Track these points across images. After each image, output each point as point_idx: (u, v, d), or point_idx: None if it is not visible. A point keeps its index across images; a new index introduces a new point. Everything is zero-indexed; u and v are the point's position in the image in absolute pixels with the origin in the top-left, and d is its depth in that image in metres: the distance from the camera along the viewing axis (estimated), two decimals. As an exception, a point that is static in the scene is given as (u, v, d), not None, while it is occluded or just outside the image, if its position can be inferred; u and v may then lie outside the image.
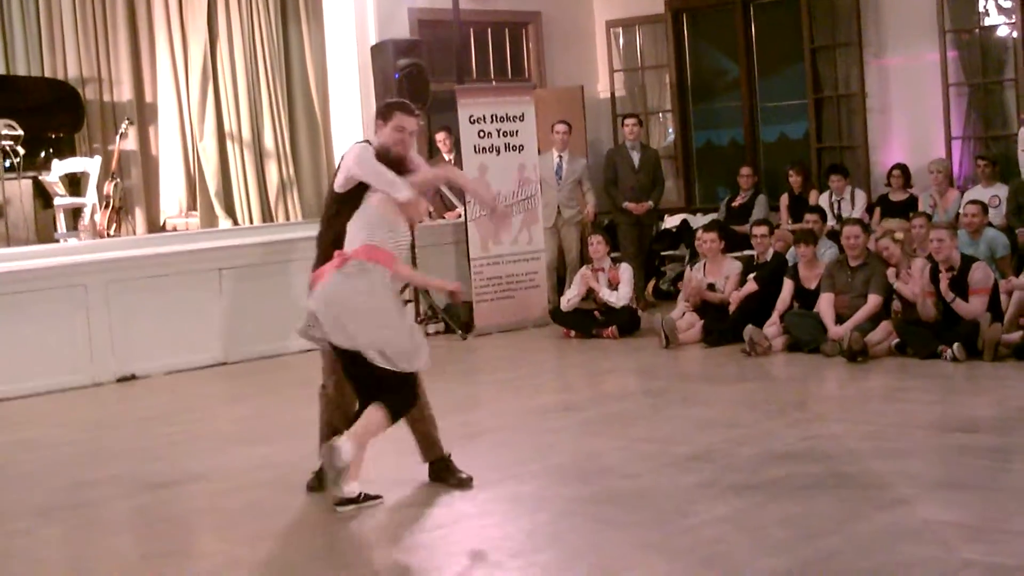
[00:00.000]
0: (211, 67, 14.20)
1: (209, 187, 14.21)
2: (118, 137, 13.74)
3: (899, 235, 11.90)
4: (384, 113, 7.47)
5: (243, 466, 8.33)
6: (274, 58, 14.55)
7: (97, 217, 13.29)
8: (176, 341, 12.12)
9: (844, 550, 5.91)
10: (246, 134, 14.34)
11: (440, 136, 14.80)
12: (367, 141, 7.52)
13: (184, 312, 12.20)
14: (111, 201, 13.54)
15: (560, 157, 14.60)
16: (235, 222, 14.25)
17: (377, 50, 13.70)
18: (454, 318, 13.53)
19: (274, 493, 7.65)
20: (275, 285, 12.75)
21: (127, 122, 13.84)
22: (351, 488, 7.05)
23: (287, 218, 14.51)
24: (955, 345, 10.31)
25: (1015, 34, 13.96)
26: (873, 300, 11.09)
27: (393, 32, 14.30)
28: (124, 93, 14.17)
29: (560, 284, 14.57)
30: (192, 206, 14.30)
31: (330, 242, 7.40)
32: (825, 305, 11.25)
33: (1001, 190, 13.04)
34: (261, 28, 14.46)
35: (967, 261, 10.70)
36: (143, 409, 10.62)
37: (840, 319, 11.13)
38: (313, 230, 13.16)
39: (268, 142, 14.51)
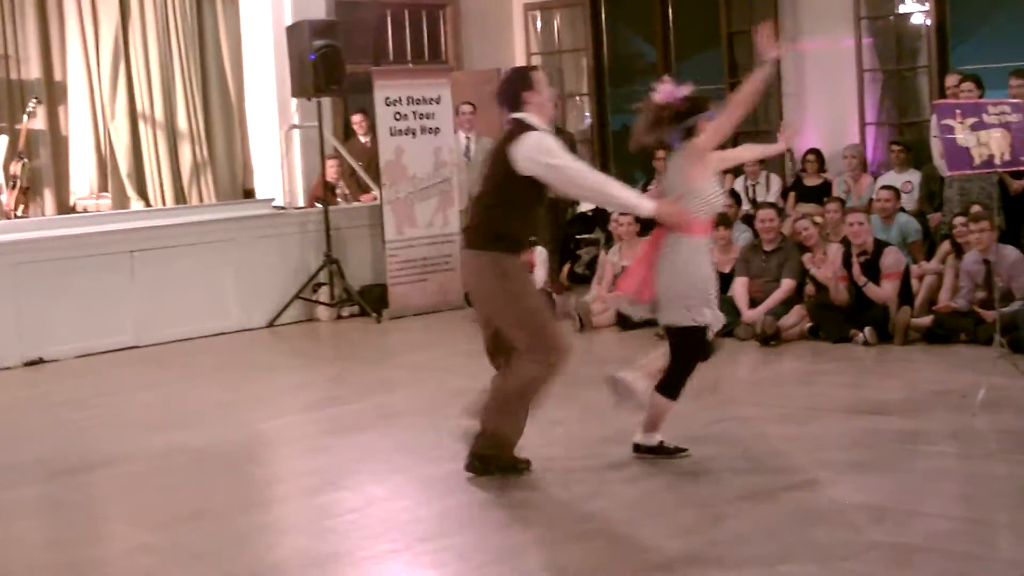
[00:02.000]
0: (123, 45, 13.99)
1: (121, 168, 14.03)
2: (25, 116, 13.51)
3: (818, 218, 11.99)
4: (526, 83, 7.13)
5: (154, 451, 8.23)
6: (188, 37, 14.37)
7: (3, 198, 13.08)
8: (87, 324, 11.94)
9: (753, 532, 5.95)
10: (159, 114, 14.16)
11: (357, 118, 14.69)
12: (524, 122, 7.07)
13: (95, 295, 12.02)
14: (18, 182, 13.30)
15: (468, 138, 14.54)
16: (147, 204, 14.08)
17: (293, 30, 13.57)
18: (368, 301, 13.48)
19: (185, 478, 7.58)
20: (188, 268, 12.64)
21: (35, 100, 13.61)
22: (652, 438, 7.28)
23: (201, 200, 14.36)
24: (866, 329, 10.41)
25: (929, 22, 14.08)
26: (786, 284, 11.16)
27: (310, 12, 14.17)
28: (32, 71, 13.92)
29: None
30: (103, 187, 14.11)
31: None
32: (739, 289, 11.31)
33: (914, 176, 13.14)
34: (175, 6, 14.27)
35: (879, 246, 10.80)
36: (52, 394, 10.46)
37: (754, 303, 11.19)
38: (228, 212, 13.30)
39: (181, 123, 14.35)
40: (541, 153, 6.90)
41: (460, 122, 14.36)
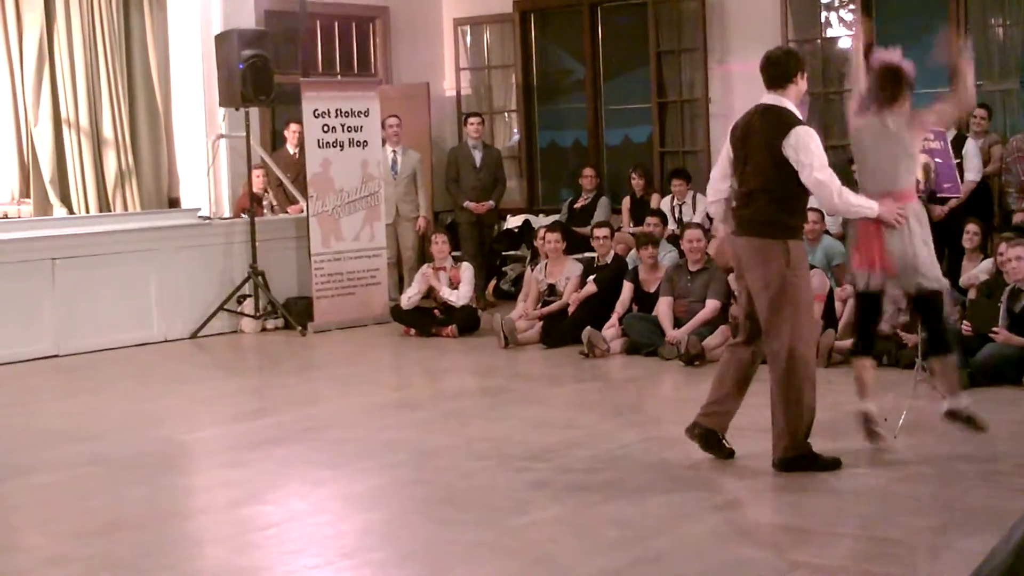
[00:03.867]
0: (47, 49, 13.80)
1: (44, 174, 13.85)
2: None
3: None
4: (801, 66, 7.39)
5: (71, 461, 8.13)
6: (114, 43, 14.22)
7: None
8: (5, 332, 11.81)
9: (675, 551, 5.95)
10: (84, 121, 14.00)
11: (293, 127, 14.54)
12: (788, 111, 7.29)
13: (14, 303, 11.89)
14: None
15: (394, 152, 14.52)
16: (70, 211, 13.92)
17: (221, 39, 13.49)
18: (293, 313, 13.42)
19: (104, 488, 7.49)
20: (111, 277, 12.53)
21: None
22: (964, 402, 7.66)
23: (125, 208, 14.21)
24: (790, 350, 10.44)
25: (855, 46, 14.21)
26: (711, 305, 11.21)
27: (239, 22, 14.10)
28: (-48, 74, 13.73)
29: (400, 281, 14.52)
30: (25, 193, 13.92)
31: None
32: (663, 308, 11.35)
33: (838, 199, 13.23)
34: (101, 11, 14.10)
35: (803, 268, 10.87)
36: (-32, 401, 10.33)
37: (678, 323, 11.23)
38: (153, 221, 13.18)
39: (107, 130, 14.20)
40: (800, 152, 7.11)
41: (387, 136, 14.34)
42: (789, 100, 7.29)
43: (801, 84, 7.36)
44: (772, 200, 7.23)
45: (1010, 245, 9.91)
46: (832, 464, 7.30)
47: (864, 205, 7.37)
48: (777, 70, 7.37)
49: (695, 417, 7.57)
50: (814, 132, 7.25)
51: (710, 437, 7.50)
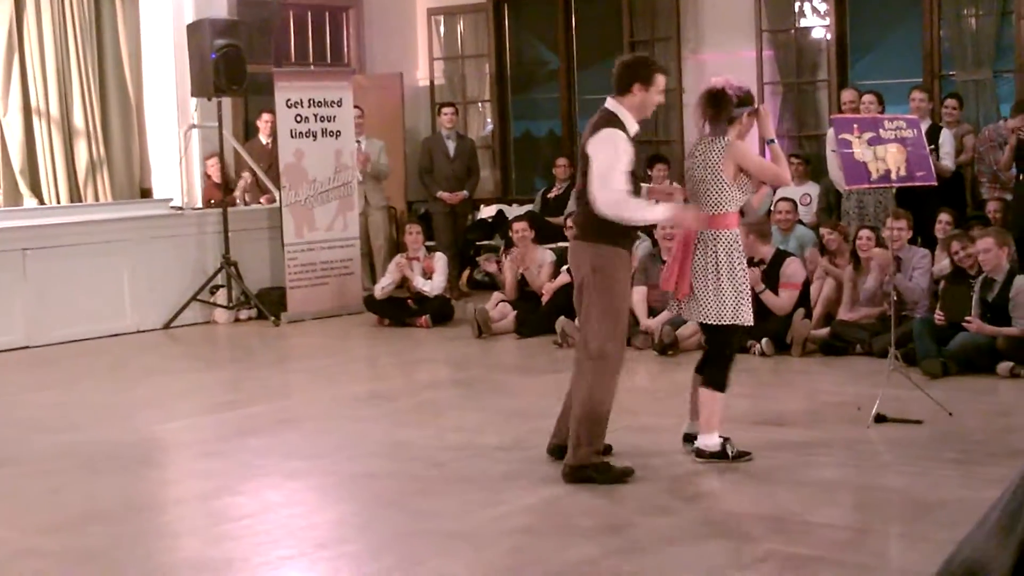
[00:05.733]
0: (16, 38, 13.70)
1: (13, 164, 13.76)
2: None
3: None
4: (645, 76, 7.10)
5: (43, 453, 8.08)
6: (85, 32, 14.13)
7: None
8: (-24, 323, 11.76)
9: (649, 540, 5.96)
10: (54, 110, 13.91)
11: (266, 117, 14.49)
12: (612, 115, 7.07)
13: (-15, 293, 11.84)
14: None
15: (358, 142, 14.45)
16: (41, 201, 13.84)
17: (193, 29, 13.42)
18: (267, 304, 13.37)
19: (76, 480, 7.45)
20: (83, 267, 12.45)
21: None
22: (713, 441, 7.25)
23: (96, 199, 14.13)
24: (764, 340, 10.48)
25: (829, 36, 14.24)
26: (685, 294, 11.19)
27: (211, 11, 14.04)
28: (-81, 63, 13.63)
29: (372, 271, 14.50)
30: (-6, 184, 13.85)
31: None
32: (637, 298, 11.32)
33: (812, 188, 13.28)
34: (72, -1, 14.05)
35: (780, 255, 10.88)
36: (-61, 392, 10.27)
37: (652, 312, 11.23)
38: (124, 211, 13.13)
39: (78, 119, 14.11)
40: (597, 153, 6.89)
41: (349, 126, 14.22)
42: (625, 109, 7.06)
43: (639, 95, 7.07)
44: (589, 202, 7.02)
45: (979, 237, 9.95)
46: (622, 475, 7.02)
47: (650, 213, 7.12)
48: (618, 77, 7.20)
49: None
50: (624, 140, 6.94)
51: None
